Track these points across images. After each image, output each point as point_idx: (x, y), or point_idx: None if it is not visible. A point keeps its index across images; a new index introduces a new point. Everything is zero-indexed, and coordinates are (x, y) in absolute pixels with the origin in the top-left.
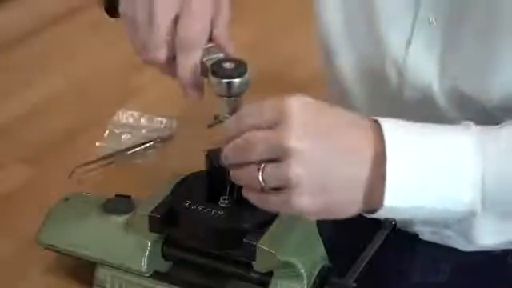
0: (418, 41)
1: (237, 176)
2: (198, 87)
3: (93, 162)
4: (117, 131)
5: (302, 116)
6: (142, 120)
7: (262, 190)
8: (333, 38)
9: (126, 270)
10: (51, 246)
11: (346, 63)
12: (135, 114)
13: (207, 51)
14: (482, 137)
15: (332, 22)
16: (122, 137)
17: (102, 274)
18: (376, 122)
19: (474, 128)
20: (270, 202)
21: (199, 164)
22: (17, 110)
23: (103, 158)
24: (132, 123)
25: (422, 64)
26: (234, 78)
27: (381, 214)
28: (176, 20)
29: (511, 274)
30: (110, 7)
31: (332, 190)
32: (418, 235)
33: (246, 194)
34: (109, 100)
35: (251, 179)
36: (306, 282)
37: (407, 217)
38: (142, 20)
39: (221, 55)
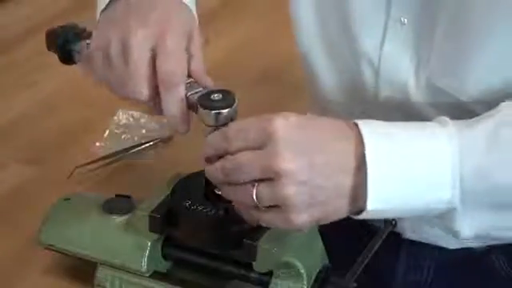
0: (391, 40)
1: (229, 193)
2: (185, 120)
3: (93, 161)
4: (117, 131)
5: (288, 135)
6: (142, 120)
7: (256, 208)
8: (308, 40)
9: (126, 270)
10: (51, 245)
11: (323, 67)
12: (135, 114)
13: (189, 86)
14: (460, 135)
15: (306, 25)
16: (122, 137)
17: (102, 273)
18: (356, 125)
19: (452, 126)
20: (266, 219)
21: (199, 164)
22: (17, 110)
23: (103, 157)
24: (132, 123)
25: (397, 63)
26: (222, 108)
27: (365, 216)
28: (153, 57)
29: (493, 271)
30: (64, 57)
31: (323, 201)
32: (400, 234)
33: (237, 210)
34: (109, 100)
35: (245, 197)
36: (305, 282)
37: (390, 216)
38: (116, 58)
39: (202, 88)
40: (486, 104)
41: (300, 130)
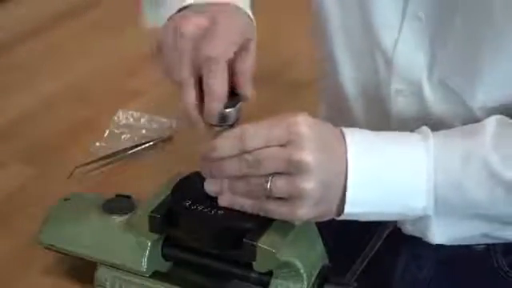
0: (406, 35)
1: (238, 185)
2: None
3: (93, 161)
4: (117, 131)
5: (311, 133)
6: (142, 120)
7: (265, 198)
8: (330, 32)
9: (126, 270)
10: (51, 245)
11: (342, 61)
12: (135, 114)
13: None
14: (437, 147)
15: (329, 17)
16: (122, 137)
17: (102, 273)
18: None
19: (431, 138)
20: (271, 209)
21: (199, 164)
22: (17, 110)
23: (103, 157)
24: (132, 123)
25: (410, 58)
26: (227, 108)
27: (343, 218)
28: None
29: (492, 270)
30: None
31: (328, 200)
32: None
33: (237, 201)
34: (109, 100)
35: (257, 188)
36: (305, 282)
37: (367, 219)
38: (167, 44)
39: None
40: (492, 111)
41: (318, 130)
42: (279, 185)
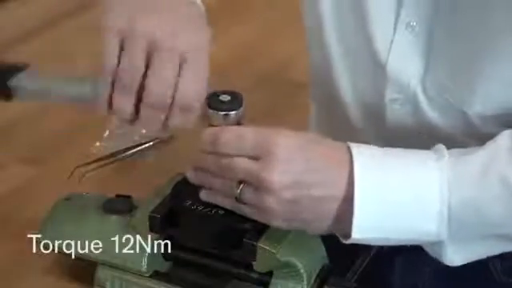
0: (399, 43)
1: (213, 182)
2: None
3: (93, 161)
4: (117, 131)
5: (285, 155)
6: None
7: (237, 200)
8: (324, 31)
9: (126, 270)
10: (51, 245)
11: (338, 66)
12: None
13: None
14: (451, 167)
15: (325, 23)
16: (122, 137)
17: (102, 274)
18: (350, 152)
19: (446, 158)
20: (246, 212)
21: None
22: (17, 110)
23: (103, 158)
24: None
25: (403, 66)
26: (231, 110)
27: (351, 241)
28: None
29: (490, 277)
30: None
31: (303, 219)
32: None
33: (217, 199)
34: None
35: (228, 190)
36: (305, 282)
37: (376, 244)
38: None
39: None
40: (491, 119)
41: (297, 152)
42: (247, 194)
